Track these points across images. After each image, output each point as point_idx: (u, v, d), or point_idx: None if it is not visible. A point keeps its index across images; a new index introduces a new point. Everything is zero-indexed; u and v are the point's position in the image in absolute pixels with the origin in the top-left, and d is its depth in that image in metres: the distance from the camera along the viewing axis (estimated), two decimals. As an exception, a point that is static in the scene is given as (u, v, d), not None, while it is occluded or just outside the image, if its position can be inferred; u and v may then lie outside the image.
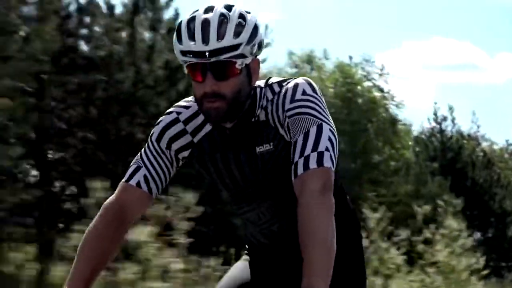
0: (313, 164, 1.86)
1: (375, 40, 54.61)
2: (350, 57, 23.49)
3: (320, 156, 1.88)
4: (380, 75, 23.96)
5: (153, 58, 11.28)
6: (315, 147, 1.89)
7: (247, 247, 2.44)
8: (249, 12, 2.00)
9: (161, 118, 2.16)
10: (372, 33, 57.39)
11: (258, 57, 2.03)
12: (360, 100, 21.47)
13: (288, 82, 2.05)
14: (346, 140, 19.94)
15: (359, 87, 21.72)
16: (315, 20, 59.75)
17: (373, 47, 66.77)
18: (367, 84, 22.79)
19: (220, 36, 1.87)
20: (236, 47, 1.89)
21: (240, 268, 2.39)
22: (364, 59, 24.06)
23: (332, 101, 20.30)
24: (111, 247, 2.02)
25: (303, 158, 1.88)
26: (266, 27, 13.85)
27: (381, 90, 23.43)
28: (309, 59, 26.12)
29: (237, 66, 1.92)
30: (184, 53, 1.91)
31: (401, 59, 53.95)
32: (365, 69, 23.63)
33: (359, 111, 21.05)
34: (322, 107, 1.99)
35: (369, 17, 56.84)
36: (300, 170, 1.87)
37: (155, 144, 2.12)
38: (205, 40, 1.86)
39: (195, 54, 1.88)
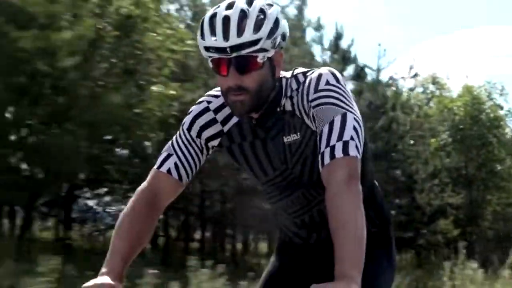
0: (339, 153, 1.86)
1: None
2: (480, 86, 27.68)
3: (346, 145, 1.87)
4: (501, 95, 28.07)
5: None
6: (340, 137, 1.88)
7: (278, 239, 2.50)
8: (271, 5, 1.99)
9: (192, 108, 2.21)
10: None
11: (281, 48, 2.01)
12: (484, 117, 25.24)
13: (312, 72, 2.07)
14: (474, 153, 23.94)
15: (483, 106, 25.63)
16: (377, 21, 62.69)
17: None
18: (489, 103, 26.72)
19: (240, 31, 1.88)
20: (256, 42, 1.90)
21: (273, 261, 2.47)
22: (486, 81, 28.14)
23: (462, 119, 24.44)
24: (145, 230, 2.05)
25: (329, 147, 1.88)
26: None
27: (501, 108, 27.47)
28: (434, 80, 29.97)
29: (258, 60, 1.93)
30: (207, 48, 1.93)
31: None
32: (487, 90, 27.60)
33: (484, 126, 24.85)
34: (346, 97, 1.98)
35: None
36: (326, 159, 1.87)
37: (186, 132, 2.16)
38: (226, 36, 1.88)
39: (217, 49, 1.90)
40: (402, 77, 21.88)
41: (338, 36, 18.95)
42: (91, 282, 1.86)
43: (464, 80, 34.54)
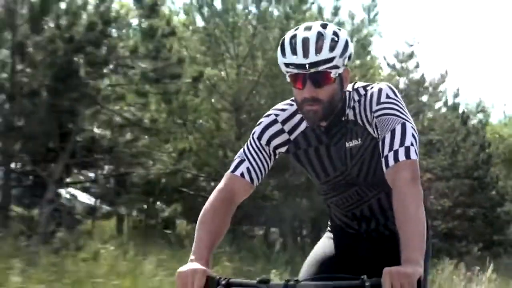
0: (402, 157, 2.20)
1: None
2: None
3: (407, 150, 2.21)
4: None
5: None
6: (402, 143, 2.23)
7: (329, 227, 2.86)
8: (340, 29, 2.34)
9: (261, 120, 2.55)
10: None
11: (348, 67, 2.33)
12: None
13: (372, 87, 2.42)
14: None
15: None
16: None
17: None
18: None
19: (318, 50, 2.21)
20: (331, 59, 2.23)
21: (324, 245, 2.80)
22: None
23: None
24: (223, 223, 2.39)
25: (392, 152, 2.22)
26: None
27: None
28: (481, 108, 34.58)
29: (331, 75, 2.27)
30: (287, 65, 2.26)
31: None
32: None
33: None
34: (404, 108, 2.33)
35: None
36: (391, 162, 2.21)
37: (256, 141, 2.50)
38: (306, 54, 2.21)
39: (297, 66, 2.23)
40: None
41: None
42: (185, 267, 2.19)
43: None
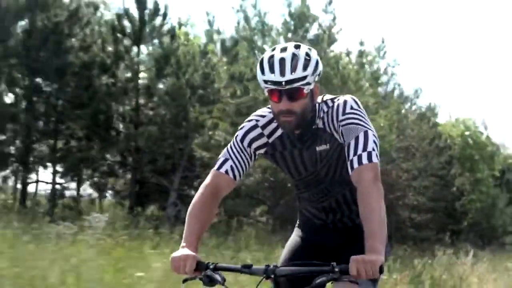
0: (365, 160, 2.53)
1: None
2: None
3: (370, 154, 2.55)
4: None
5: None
6: (364, 148, 2.56)
7: (298, 222, 3.19)
8: (311, 49, 2.64)
9: (243, 124, 2.87)
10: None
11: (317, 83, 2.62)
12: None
13: (339, 99, 2.74)
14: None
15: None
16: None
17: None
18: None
19: (293, 69, 2.52)
20: (304, 78, 2.54)
21: (295, 240, 3.14)
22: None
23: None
24: (210, 215, 2.74)
25: (356, 156, 2.55)
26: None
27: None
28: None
29: (304, 91, 2.57)
30: (266, 81, 2.57)
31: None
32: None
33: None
34: (365, 118, 2.66)
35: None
36: (355, 164, 2.54)
37: (239, 143, 2.82)
38: (282, 73, 2.52)
39: (274, 83, 2.53)
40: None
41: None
42: (178, 253, 2.51)
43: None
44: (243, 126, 2.86)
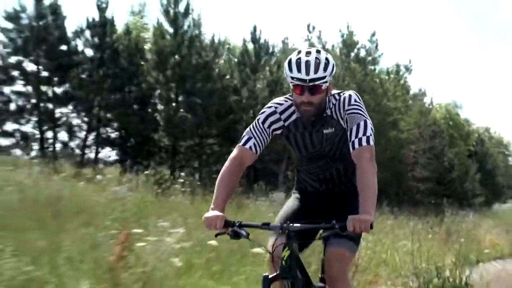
0: (364, 142, 3.22)
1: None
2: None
3: (368, 138, 3.24)
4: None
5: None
6: (364, 133, 3.25)
7: (295, 189, 3.91)
8: (328, 55, 3.33)
9: (264, 109, 3.53)
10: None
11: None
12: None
13: (344, 94, 3.45)
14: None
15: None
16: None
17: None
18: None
19: (315, 71, 3.22)
20: (323, 77, 3.26)
21: (292, 202, 3.85)
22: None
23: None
24: (235, 183, 3.39)
25: (357, 138, 3.23)
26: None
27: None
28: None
29: (322, 87, 3.28)
30: (292, 78, 3.27)
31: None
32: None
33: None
34: (364, 110, 3.37)
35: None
36: (356, 145, 3.23)
37: (260, 124, 3.49)
38: (307, 73, 3.22)
39: (300, 79, 3.24)
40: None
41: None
42: (210, 213, 3.13)
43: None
44: (264, 111, 3.56)
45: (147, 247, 6.10)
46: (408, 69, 35.22)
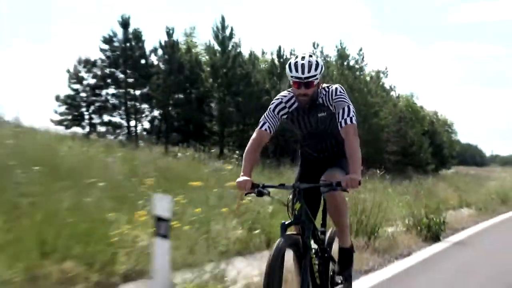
0: (349, 122, 4.15)
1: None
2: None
3: (351, 118, 4.18)
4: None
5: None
6: (348, 114, 4.18)
7: (300, 159, 4.91)
8: (318, 57, 4.38)
9: (273, 101, 4.52)
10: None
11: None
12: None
13: (331, 87, 4.36)
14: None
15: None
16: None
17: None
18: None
19: (308, 71, 4.16)
20: (315, 75, 4.19)
21: (299, 169, 4.94)
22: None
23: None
24: (256, 156, 4.35)
25: (343, 119, 4.16)
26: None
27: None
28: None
29: (314, 83, 4.21)
30: (292, 76, 4.22)
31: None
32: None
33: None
34: (347, 98, 4.29)
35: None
36: (343, 125, 4.16)
37: (272, 111, 4.46)
38: (303, 72, 4.16)
39: (297, 77, 4.19)
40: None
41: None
42: (240, 178, 4.12)
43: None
44: (274, 102, 4.56)
45: (252, 199, 8.55)
46: (384, 73, 47.27)
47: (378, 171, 12.95)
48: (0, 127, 13.11)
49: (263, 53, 46.11)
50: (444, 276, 7.68)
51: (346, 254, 4.81)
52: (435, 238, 11.12)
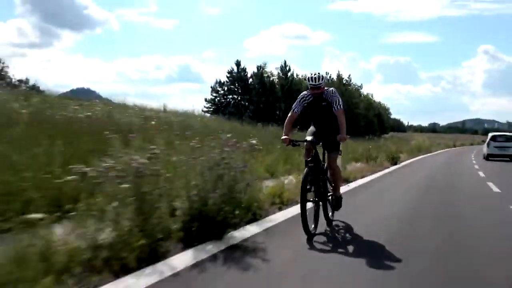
0: (339, 108, 7.67)
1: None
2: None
3: (340, 106, 7.67)
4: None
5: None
6: (338, 103, 7.65)
7: (310, 130, 8.09)
8: (323, 74, 7.68)
9: (299, 96, 7.85)
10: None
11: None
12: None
13: (329, 88, 7.75)
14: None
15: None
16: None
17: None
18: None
19: (318, 80, 7.57)
20: (321, 83, 7.60)
21: (309, 132, 8.04)
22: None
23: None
24: (291, 128, 7.82)
25: (336, 105, 7.64)
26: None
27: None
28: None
29: (321, 87, 7.65)
30: (309, 84, 7.60)
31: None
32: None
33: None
34: (338, 95, 7.74)
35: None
36: (336, 109, 7.65)
37: (298, 101, 7.79)
38: (315, 82, 7.55)
39: (313, 85, 7.57)
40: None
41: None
42: (284, 137, 7.65)
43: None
44: (299, 96, 7.62)
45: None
46: (361, 86, 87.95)
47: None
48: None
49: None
50: (389, 180, 16.42)
51: (338, 200, 8.29)
52: (394, 163, 24.95)
